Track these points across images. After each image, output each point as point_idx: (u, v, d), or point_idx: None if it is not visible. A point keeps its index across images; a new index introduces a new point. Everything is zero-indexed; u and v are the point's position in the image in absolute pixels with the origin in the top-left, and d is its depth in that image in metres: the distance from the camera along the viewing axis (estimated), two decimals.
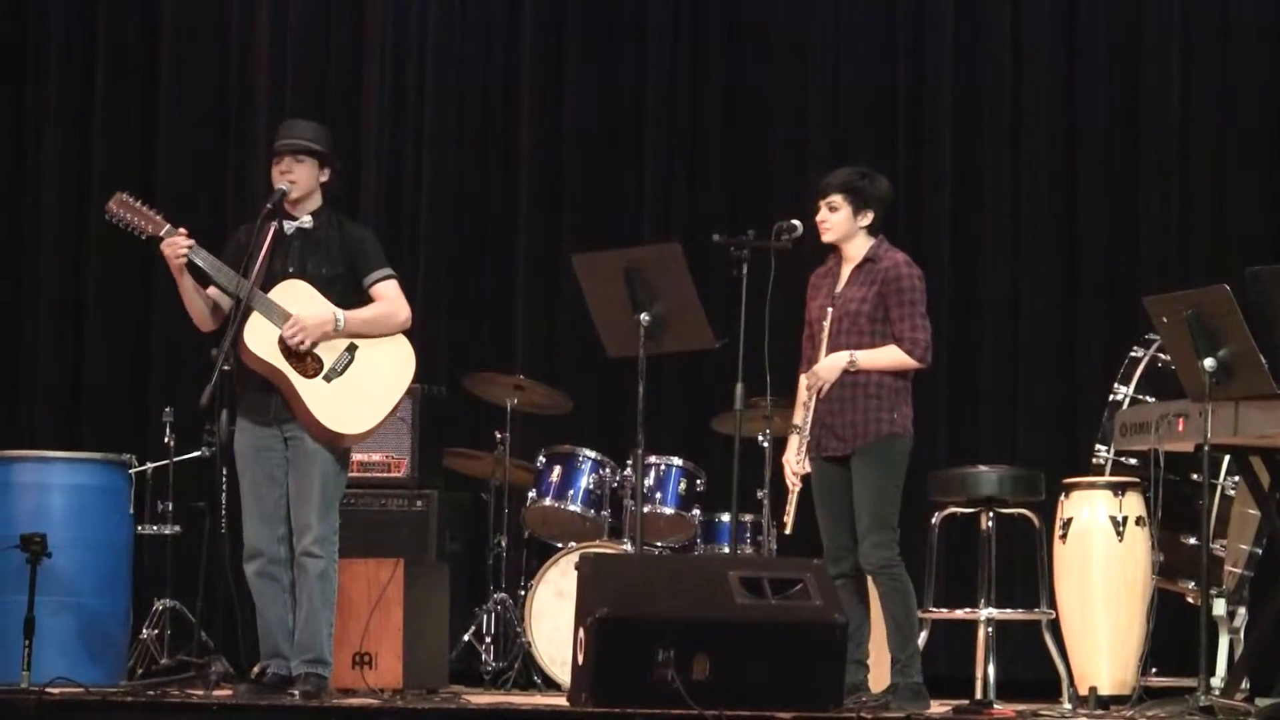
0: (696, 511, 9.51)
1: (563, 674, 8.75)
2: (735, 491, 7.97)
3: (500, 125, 10.99)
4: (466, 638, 9.48)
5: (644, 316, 7.84)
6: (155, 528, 9.66)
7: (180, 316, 7.61)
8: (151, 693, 7.38)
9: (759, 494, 8.77)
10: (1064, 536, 8.22)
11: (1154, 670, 8.19)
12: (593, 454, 9.58)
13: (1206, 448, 7.24)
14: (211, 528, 7.69)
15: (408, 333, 7.52)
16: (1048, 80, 10.56)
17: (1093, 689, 8.00)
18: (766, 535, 9.03)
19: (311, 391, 7.33)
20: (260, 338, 7.32)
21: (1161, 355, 8.21)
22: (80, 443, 9.95)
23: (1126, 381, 8.37)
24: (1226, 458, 7.89)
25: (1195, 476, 7.81)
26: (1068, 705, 8.24)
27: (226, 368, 7.26)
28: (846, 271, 7.58)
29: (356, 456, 8.10)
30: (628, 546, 9.07)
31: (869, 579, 7.50)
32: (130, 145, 11.05)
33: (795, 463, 7.56)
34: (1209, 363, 7.16)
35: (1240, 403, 7.20)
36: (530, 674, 9.22)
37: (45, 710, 6.99)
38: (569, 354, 10.60)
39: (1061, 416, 10.25)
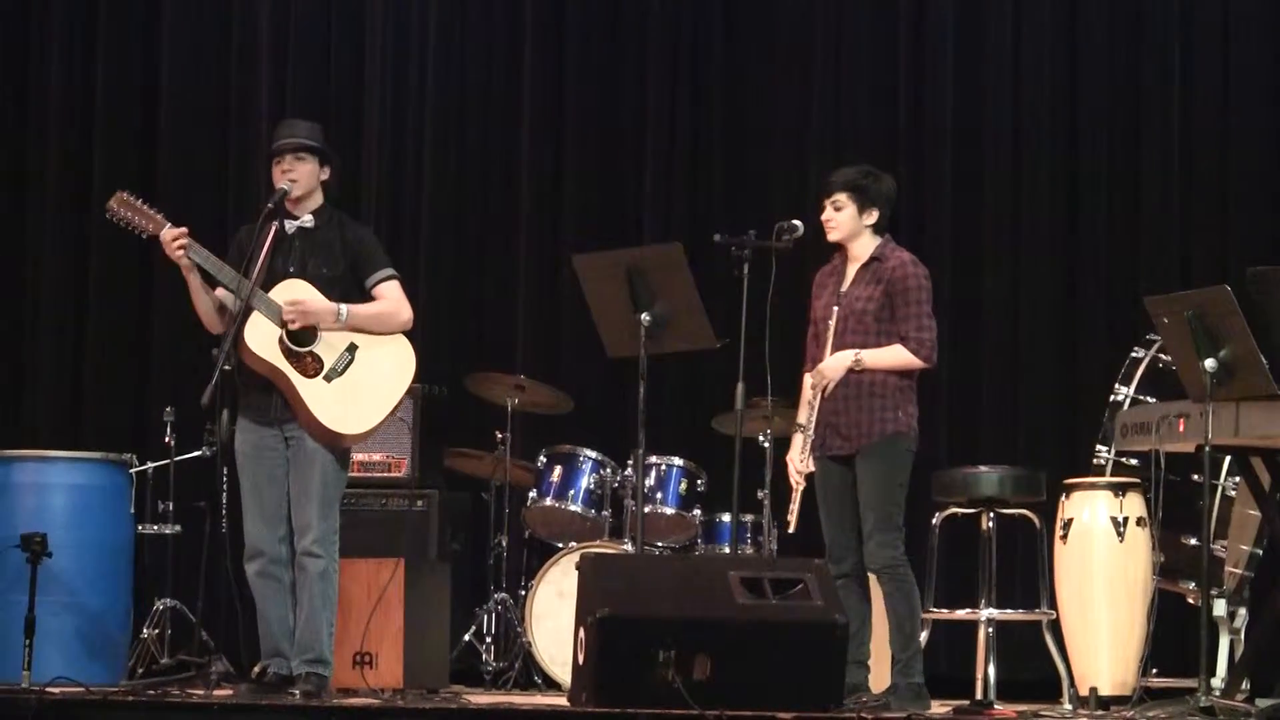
0: (697, 511, 9.51)
1: (563, 674, 8.75)
2: (736, 491, 7.97)
3: (501, 125, 10.99)
4: (467, 638, 9.47)
5: (645, 316, 7.83)
6: (156, 527, 9.66)
7: (180, 316, 7.63)
8: (152, 692, 7.38)
9: (760, 494, 8.79)
10: (1065, 537, 8.20)
11: (1154, 671, 8.17)
12: (593, 454, 9.58)
13: (1207, 448, 7.22)
14: (212, 527, 7.71)
15: (408, 333, 7.52)
16: (1048, 80, 10.55)
17: (1093, 689, 7.98)
18: (767, 535, 9.04)
19: (312, 391, 7.33)
20: (261, 337, 7.31)
21: (1162, 356, 8.20)
22: (81, 442, 9.94)
23: (1127, 382, 8.36)
24: (1227, 458, 7.89)
25: (1196, 477, 7.80)
26: (1068, 706, 8.23)
27: (227, 367, 7.25)
28: (852, 270, 7.56)
29: (357, 456, 8.10)
30: (628, 546, 9.06)
31: (871, 579, 7.50)
32: (130, 145, 11.05)
33: (799, 461, 7.55)
34: (1210, 363, 7.14)
35: (1241, 403, 7.19)
36: (531, 674, 9.22)
37: (46, 710, 6.98)
38: (570, 354, 10.59)
39: (1062, 417, 10.23)
